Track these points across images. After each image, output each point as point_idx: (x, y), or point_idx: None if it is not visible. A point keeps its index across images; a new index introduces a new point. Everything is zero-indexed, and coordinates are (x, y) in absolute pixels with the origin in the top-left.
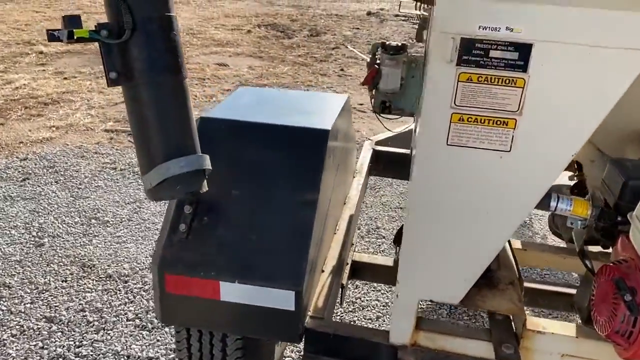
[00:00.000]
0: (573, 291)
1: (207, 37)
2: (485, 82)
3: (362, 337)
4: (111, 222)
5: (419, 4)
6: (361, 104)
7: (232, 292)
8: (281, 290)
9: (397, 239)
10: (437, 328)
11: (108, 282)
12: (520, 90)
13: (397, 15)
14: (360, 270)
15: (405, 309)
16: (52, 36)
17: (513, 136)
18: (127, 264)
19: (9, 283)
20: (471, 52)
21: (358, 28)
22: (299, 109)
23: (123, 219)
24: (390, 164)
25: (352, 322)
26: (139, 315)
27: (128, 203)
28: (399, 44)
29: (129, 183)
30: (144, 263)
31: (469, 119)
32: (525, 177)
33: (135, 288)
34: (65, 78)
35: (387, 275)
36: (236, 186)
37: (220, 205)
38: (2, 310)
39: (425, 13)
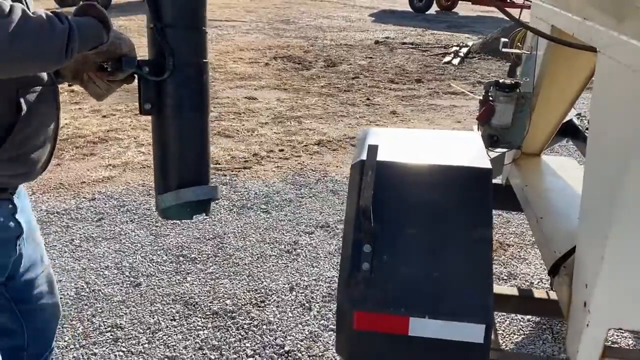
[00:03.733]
0: None
1: (228, 71)
2: None
3: None
4: (199, 259)
5: (515, 43)
6: None
7: (421, 327)
8: (472, 324)
9: (554, 270)
10: (624, 355)
11: (216, 319)
12: None
13: (403, 43)
14: None
15: (595, 338)
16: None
17: None
18: (229, 300)
19: (120, 324)
20: None
21: (371, 57)
22: (449, 149)
23: (210, 255)
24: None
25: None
26: (257, 351)
27: (209, 239)
28: (513, 82)
29: (204, 219)
30: (244, 299)
31: None
32: None
33: (245, 324)
34: (104, 116)
35: (513, 304)
36: (411, 225)
37: (398, 243)
38: (123, 351)
39: (526, 52)
